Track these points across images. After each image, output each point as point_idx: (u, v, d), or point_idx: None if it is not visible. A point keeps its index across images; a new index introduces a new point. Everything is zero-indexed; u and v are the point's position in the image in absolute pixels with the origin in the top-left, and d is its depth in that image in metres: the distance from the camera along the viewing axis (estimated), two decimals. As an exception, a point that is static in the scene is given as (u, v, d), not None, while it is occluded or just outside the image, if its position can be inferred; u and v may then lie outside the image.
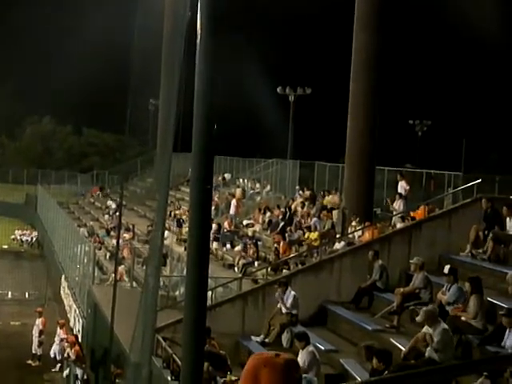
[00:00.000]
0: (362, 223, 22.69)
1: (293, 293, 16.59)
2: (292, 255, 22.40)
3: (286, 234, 25.20)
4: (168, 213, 33.06)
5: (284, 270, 20.79)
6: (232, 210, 32.79)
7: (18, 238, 51.42)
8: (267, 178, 38.02)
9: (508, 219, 16.19)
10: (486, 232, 16.38)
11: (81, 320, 25.80)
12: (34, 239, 51.07)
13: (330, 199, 28.92)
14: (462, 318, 13.06)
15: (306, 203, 28.32)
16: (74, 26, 67.87)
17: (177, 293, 22.52)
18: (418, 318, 12.74)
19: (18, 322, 30.26)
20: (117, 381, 18.44)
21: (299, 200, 29.64)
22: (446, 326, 12.18)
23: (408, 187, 25.40)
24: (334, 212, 25.90)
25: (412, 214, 22.26)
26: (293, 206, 28.89)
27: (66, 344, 23.57)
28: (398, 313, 15.26)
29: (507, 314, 11.69)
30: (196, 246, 8.04)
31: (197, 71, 7.70)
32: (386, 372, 10.90)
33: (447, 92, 64.26)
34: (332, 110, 48.12)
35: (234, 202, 33.46)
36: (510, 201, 17.62)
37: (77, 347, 22.73)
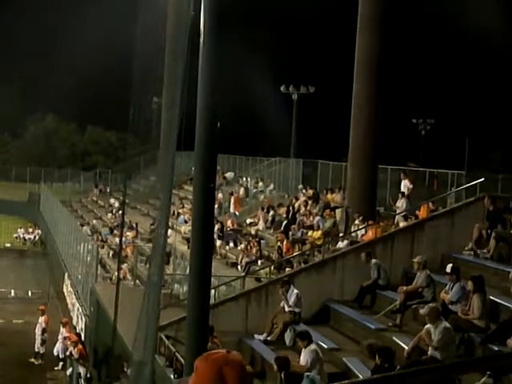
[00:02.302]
0: (365, 222, 22.69)
1: (296, 291, 16.60)
2: (295, 254, 22.42)
3: (290, 233, 25.22)
4: (171, 211, 33.07)
5: (287, 269, 20.80)
6: (231, 209, 32.87)
7: (21, 236, 51.48)
8: (270, 177, 38.04)
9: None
10: (489, 231, 16.37)
11: (84, 318, 25.84)
12: (37, 237, 51.13)
13: (333, 197, 28.94)
14: (465, 317, 13.06)
15: (309, 202, 28.33)
16: (77, 23, 67.90)
17: (180, 291, 22.55)
18: (422, 311, 12.75)
19: (21, 321, 30.31)
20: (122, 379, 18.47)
21: (302, 199, 29.65)
22: (447, 325, 12.18)
23: (411, 186, 25.41)
24: (337, 211, 25.91)
25: (417, 212, 22.27)
26: (296, 205, 28.90)
27: (69, 342, 23.60)
28: (400, 311, 15.26)
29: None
30: (199, 245, 8.07)
31: (200, 70, 7.71)
32: (397, 368, 10.90)
33: (450, 91, 64.17)
34: (335, 108, 48.06)
35: (232, 200, 33.55)
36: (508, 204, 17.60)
37: (79, 346, 22.76)
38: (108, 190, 54.42)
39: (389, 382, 3.07)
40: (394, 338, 14.12)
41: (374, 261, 17.42)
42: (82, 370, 22.37)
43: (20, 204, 58.86)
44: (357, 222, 23.45)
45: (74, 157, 78.80)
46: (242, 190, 36.64)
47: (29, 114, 79.56)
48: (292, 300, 16.50)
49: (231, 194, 35.31)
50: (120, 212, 36.08)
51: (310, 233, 24.26)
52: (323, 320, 17.18)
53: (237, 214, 32.76)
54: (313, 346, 13.49)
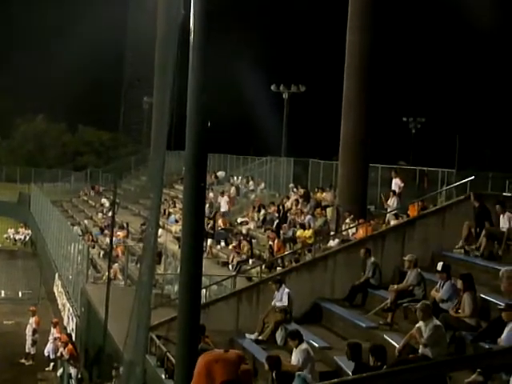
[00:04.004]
0: (356, 220, 22.72)
1: (287, 290, 16.60)
2: (286, 253, 22.42)
3: (281, 232, 25.22)
4: (162, 211, 33.04)
5: (278, 268, 20.80)
6: (224, 208, 32.81)
7: (12, 236, 51.30)
8: (261, 176, 38.04)
9: (501, 216, 16.22)
10: (478, 229, 16.40)
11: (74, 319, 25.77)
12: (28, 238, 50.96)
13: (323, 196, 28.97)
14: (455, 315, 13.09)
15: (300, 201, 28.35)
16: (68, 24, 67.73)
17: (171, 291, 22.52)
18: (418, 306, 12.76)
19: (12, 321, 30.19)
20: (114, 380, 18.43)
21: (293, 198, 29.66)
22: (438, 323, 12.20)
23: (402, 184, 25.45)
24: (328, 209, 25.93)
25: (408, 211, 22.29)
26: (287, 204, 28.92)
27: (60, 343, 23.54)
28: (391, 310, 15.28)
29: (506, 308, 11.65)
30: (190, 244, 8.06)
31: (190, 69, 7.70)
32: (384, 367, 10.91)
33: (441, 89, 64.36)
34: (326, 107, 48.15)
35: (225, 198, 33.50)
36: (502, 198, 17.67)
37: (70, 346, 22.69)
38: (100, 190, 54.33)
39: (379, 380, 3.07)
40: (385, 336, 14.14)
41: (372, 259, 17.43)
42: (72, 370, 22.31)
43: (10, 204, 58.67)
44: (348, 220, 23.47)
45: (65, 157, 78.64)
46: (232, 189, 36.63)
47: (19, 114, 79.34)
48: (283, 299, 16.51)
49: (222, 193, 35.31)
50: (110, 212, 35.99)
51: (299, 232, 24.25)
52: (314, 319, 17.19)
53: (229, 213, 32.69)
54: (304, 346, 13.49)
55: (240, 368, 3.58)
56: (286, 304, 16.44)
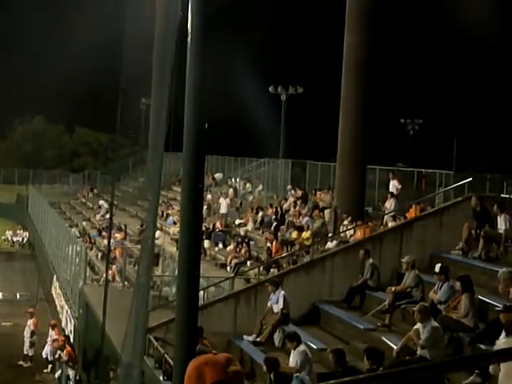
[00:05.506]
0: (354, 222, 22.72)
1: (282, 292, 16.60)
2: (284, 254, 22.42)
3: (279, 234, 25.22)
4: (160, 213, 33.02)
5: (273, 270, 20.79)
6: (224, 210, 32.80)
7: (9, 238, 51.25)
8: (259, 178, 38.05)
9: (499, 217, 16.22)
10: (478, 231, 16.40)
11: (72, 320, 25.76)
12: (25, 239, 50.92)
13: (321, 198, 28.99)
14: (453, 317, 13.10)
15: (298, 202, 28.36)
16: (65, 25, 67.68)
17: (169, 292, 22.51)
18: (415, 308, 12.75)
19: (9, 323, 30.17)
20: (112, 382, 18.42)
21: (291, 199, 29.67)
22: (435, 324, 12.21)
23: (400, 186, 25.47)
24: (326, 211, 25.94)
25: (407, 214, 22.30)
26: (285, 206, 28.92)
27: (58, 345, 23.51)
28: (389, 311, 15.28)
29: (504, 310, 11.64)
30: (188, 246, 8.05)
31: (188, 70, 7.70)
32: (381, 369, 10.91)
33: (439, 91, 64.38)
34: (324, 109, 48.11)
35: (226, 200, 33.47)
36: (500, 199, 17.68)
37: (68, 348, 22.68)
38: (96, 192, 54.31)
39: (376, 381, 3.07)
40: (383, 338, 14.14)
41: (371, 260, 17.43)
42: (71, 372, 22.29)
43: (8, 206, 58.65)
44: (345, 222, 23.48)
45: (63, 158, 78.60)
46: (230, 191, 36.64)
47: (17, 115, 79.29)
48: (280, 301, 16.50)
49: (221, 193, 35.31)
50: (108, 213, 35.96)
51: (295, 234, 24.21)
52: (312, 320, 17.18)
53: (229, 216, 32.61)
54: (302, 347, 13.49)
55: (230, 369, 3.62)
56: (282, 307, 16.43)
